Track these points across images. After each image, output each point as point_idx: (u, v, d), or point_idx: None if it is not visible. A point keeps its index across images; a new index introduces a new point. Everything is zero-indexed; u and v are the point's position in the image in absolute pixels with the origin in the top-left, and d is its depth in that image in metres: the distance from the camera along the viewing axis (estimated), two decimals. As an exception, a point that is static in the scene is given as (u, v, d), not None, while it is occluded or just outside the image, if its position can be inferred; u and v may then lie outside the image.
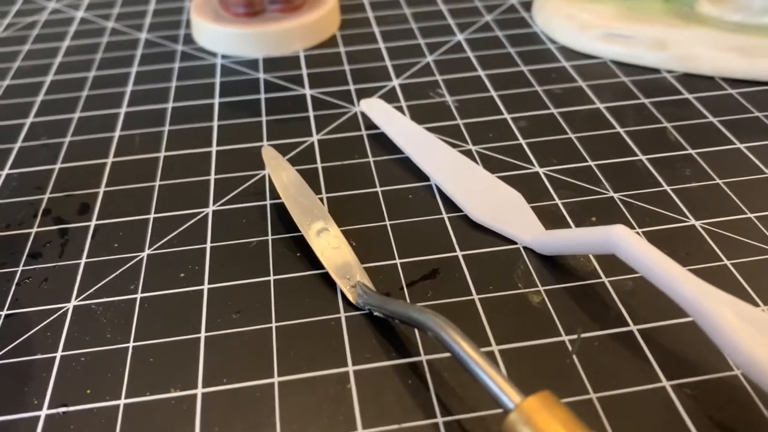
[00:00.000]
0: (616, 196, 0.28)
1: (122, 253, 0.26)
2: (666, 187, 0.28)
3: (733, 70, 0.35)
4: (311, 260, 0.25)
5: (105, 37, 0.43)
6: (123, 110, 0.35)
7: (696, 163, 0.29)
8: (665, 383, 0.21)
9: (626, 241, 0.21)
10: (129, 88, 0.37)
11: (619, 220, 0.26)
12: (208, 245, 0.26)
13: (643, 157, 0.30)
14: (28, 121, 0.35)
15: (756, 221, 0.26)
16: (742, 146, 0.30)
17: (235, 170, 0.30)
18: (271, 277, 0.25)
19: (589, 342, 0.22)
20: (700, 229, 0.26)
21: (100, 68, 0.39)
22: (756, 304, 0.23)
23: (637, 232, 0.26)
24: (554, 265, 0.25)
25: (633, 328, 0.22)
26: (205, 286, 0.25)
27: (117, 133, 0.33)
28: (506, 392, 0.17)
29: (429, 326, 0.20)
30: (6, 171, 0.31)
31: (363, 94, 0.35)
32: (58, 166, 0.31)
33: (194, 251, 0.26)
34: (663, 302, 0.22)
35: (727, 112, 0.33)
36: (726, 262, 0.24)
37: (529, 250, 0.25)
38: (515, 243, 0.26)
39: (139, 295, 0.24)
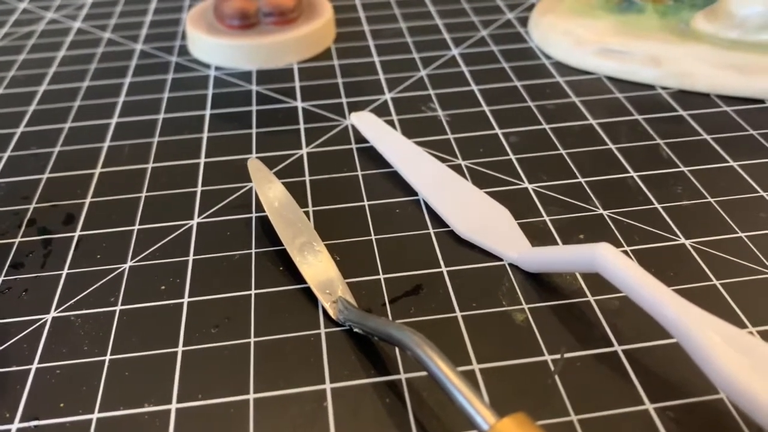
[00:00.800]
0: (605, 213, 0.27)
1: (104, 264, 0.26)
2: (657, 205, 0.28)
3: (728, 88, 0.35)
4: (294, 275, 0.25)
5: (101, 47, 0.43)
6: (114, 121, 0.35)
7: (688, 180, 0.29)
8: (648, 406, 0.20)
9: (610, 260, 0.21)
10: (121, 99, 0.37)
11: (608, 238, 0.26)
12: (191, 258, 0.26)
13: (635, 174, 0.29)
14: (19, 130, 0.35)
15: (747, 241, 0.26)
16: (735, 164, 0.30)
17: (222, 182, 0.30)
18: (252, 291, 0.24)
19: (572, 362, 0.21)
20: (690, 248, 0.25)
21: (94, 78, 0.39)
22: (744, 326, 0.22)
23: (625, 251, 0.25)
24: (540, 283, 0.24)
25: (617, 348, 0.22)
26: (185, 300, 0.24)
27: (106, 144, 0.33)
28: (480, 413, 0.17)
29: (406, 344, 0.19)
30: (-7, 180, 0.31)
31: (355, 107, 0.35)
32: (45, 176, 0.31)
33: (176, 264, 0.26)
34: (649, 323, 0.22)
35: (721, 129, 0.32)
36: (715, 282, 0.24)
37: (514, 267, 0.25)
38: (501, 260, 0.25)
39: (118, 308, 0.24)
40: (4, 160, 0.32)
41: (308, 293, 0.24)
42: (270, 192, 0.27)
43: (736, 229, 0.26)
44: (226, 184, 0.30)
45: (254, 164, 0.28)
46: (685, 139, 0.32)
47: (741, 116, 0.33)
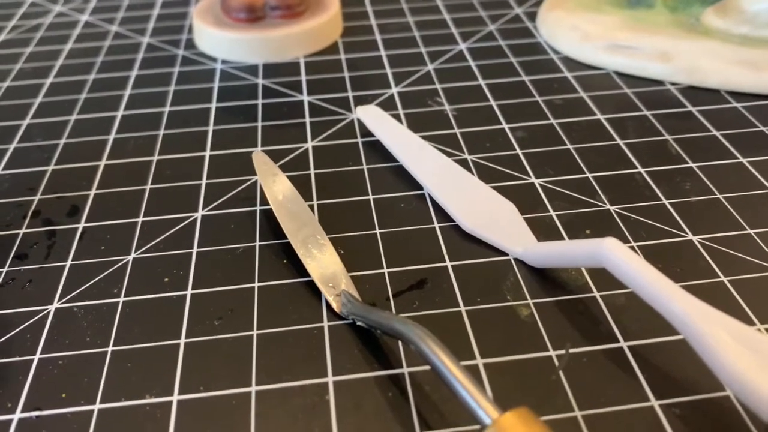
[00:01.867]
0: (612, 208, 0.27)
1: (108, 256, 0.26)
2: (664, 201, 0.27)
3: (738, 84, 0.34)
4: (298, 268, 0.25)
5: (108, 40, 0.43)
6: (120, 113, 0.35)
7: (696, 176, 0.29)
8: (654, 402, 0.20)
9: (615, 254, 0.20)
10: (128, 92, 0.37)
11: (615, 234, 0.26)
12: (195, 250, 0.26)
13: (643, 170, 0.29)
14: (25, 122, 0.35)
15: (756, 237, 0.25)
16: (744, 160, 0.29)
17: (226, 175, 0.30)
18: (256, 284, 0.24)
19: (578, 358, 0.21)
20: (698, 245, 0.25)
21: (101, 71, 0.39)
22: (752, 323, 0.22)
23: (632, 247, 0.25)
24: (545, 278, 0.24)
25: (623, 344, 0.22)
26: (189, 292, 0.24)
27: (112, 136, 0.33)
28: (483, 407, 0.17)
29: (409, 337, 0.19)
30: (-1, 172, 0.31)
31: (361, 101, 0.35)
32: (51, 167, 0.31)
33: (180, 256, 0.26)
34: (655, 319, 0.22)
35: (730, 125, 0.32)
36: (723, 278, 0.24)
37: (519, 262, 0.25)
38: (506, 254, 0.25)
39: (121, 299, 0.24)
40: (9, 152, 0.32)
41: (312, 286, 0.24)
42: (275, 185, 0.27)
43: (745, 225, 0.26)
44: (231, 177, 0.30)
45: (259, 157, 0.28)
46: (694, 135, 0.31)
47: (751, 112, 0.33)
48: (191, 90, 0.37)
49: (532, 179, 0.29)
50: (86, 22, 0.46)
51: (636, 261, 0.20)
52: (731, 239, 0.25)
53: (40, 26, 0.45)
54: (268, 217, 0.27)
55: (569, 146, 0.31)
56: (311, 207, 0.28)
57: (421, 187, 0.29)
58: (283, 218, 0.26)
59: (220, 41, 0.40)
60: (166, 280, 0.25)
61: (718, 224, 0.26)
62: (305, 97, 0.36)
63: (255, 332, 0.23)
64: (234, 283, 0.24)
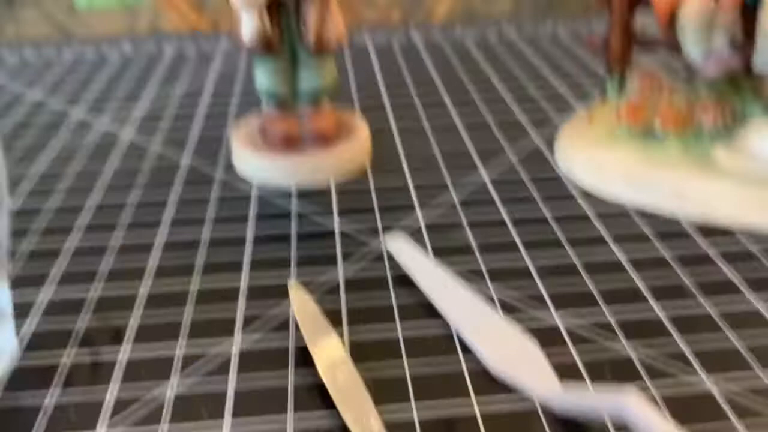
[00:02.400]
0: (633, 354, 0.28)
1: (148, 385, 0.27)
2: (687, 348, 0.28)
3: (751, 222, 0.36)
4: (328, 401, 0.26)
5: (147, 161, 0.46)
6: (158, 240, 0.37)
7: (719, 324, 0.30)
8: None
9: (637, 413, 0.21)
10: (167, 216, 0.39)
11: (637, 379, 0.27)
12: (231, 383, 0.27)
13: (664, 314, 0.30)
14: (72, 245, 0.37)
15: (775, 389, 0.26)
16: (761, 302, 0.31)
17: (261, 307, 0.31)
18: (289, 420, 0.25)
19: None
20: (720, 395, 0.26)
21: (141, 193, 0.42)
22: (774, 482, 0.23)
23: (653, 396, 0.26)
24: (566, 425, 0.25)
25: (647, 500, 0.22)
26: (227, 422, 0.25)
27: (151, 263, 0.35)
28: None
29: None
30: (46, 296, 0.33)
31: (390, 231, 0.37)
32: (94, 294, 0.33)
33: (215, 389, 0.27)
34: (678, 475, 0.22)
35: (751, 269, 0.33)
36: (744, 432, 0.24)
37: (545, 407, 0.25)
38: (530, 398, 0.26)
39: (161, 427, 0.25)
40: (57, 278, 0.34)
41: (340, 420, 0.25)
42: (308, 316, 0.28)
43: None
44: (266, 309, 0.31)
45: (294, 289, 0.29)
46: (716, 278, 0.32)
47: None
48: (227, 216, 0.39)
49: (556, 320, 0.30)
50: (129, 141, 0.49)
51: (658, 421, 0.21)
52: (756, 391, 0.26)
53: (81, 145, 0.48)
54: (300, 349, 0.29)
55: (591, 288, 0.32)
56: (341, 340, 0.29)
57: (447, 324, 0.30)
58: (315, 350, 0.27)
59: (256, 165, 0.42)
60: (203, 411, 0.26)
61: (740, 374, 0.27)
62: (336, 227, 0.37)
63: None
64: (267, 420, 0.25)
